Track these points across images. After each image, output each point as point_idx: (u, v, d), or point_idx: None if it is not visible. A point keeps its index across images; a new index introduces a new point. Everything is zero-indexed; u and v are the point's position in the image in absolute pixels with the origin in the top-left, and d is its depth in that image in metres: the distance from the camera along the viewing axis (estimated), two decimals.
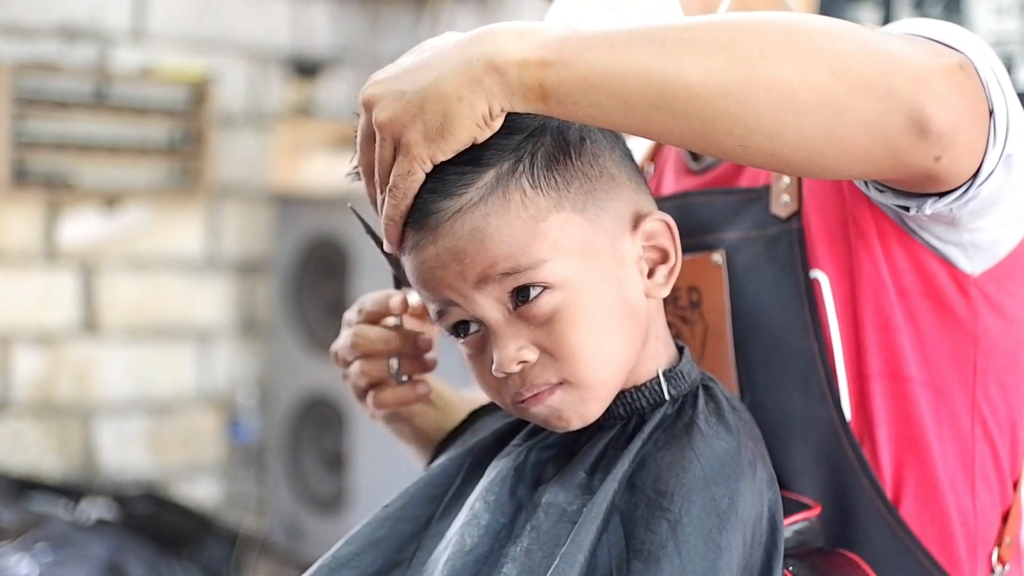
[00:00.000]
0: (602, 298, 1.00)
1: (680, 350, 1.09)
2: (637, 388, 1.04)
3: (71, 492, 3.62)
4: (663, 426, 1.02)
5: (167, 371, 4.08)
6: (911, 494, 1.17)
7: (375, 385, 1.21)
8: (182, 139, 3.98)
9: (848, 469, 1.15)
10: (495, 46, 0.90)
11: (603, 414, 1.04)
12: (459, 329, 1.02)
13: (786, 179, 1.17)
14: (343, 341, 1.23)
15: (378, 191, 0.97)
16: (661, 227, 1.04)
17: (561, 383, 1.00)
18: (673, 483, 0.96)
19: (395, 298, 1.18)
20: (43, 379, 3.85)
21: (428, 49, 0.94)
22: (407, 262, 1.01)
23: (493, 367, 1.00)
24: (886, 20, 2.66)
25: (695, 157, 1.30)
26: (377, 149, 0.95)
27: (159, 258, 4.03)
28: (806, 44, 0.90)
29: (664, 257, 1.04)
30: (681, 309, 1.22)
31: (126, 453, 4.00)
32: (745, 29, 0.90)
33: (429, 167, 0.94)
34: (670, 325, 1.21)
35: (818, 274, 1.15)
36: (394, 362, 1.18)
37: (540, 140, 0.99)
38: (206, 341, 4.14)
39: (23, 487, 3.58)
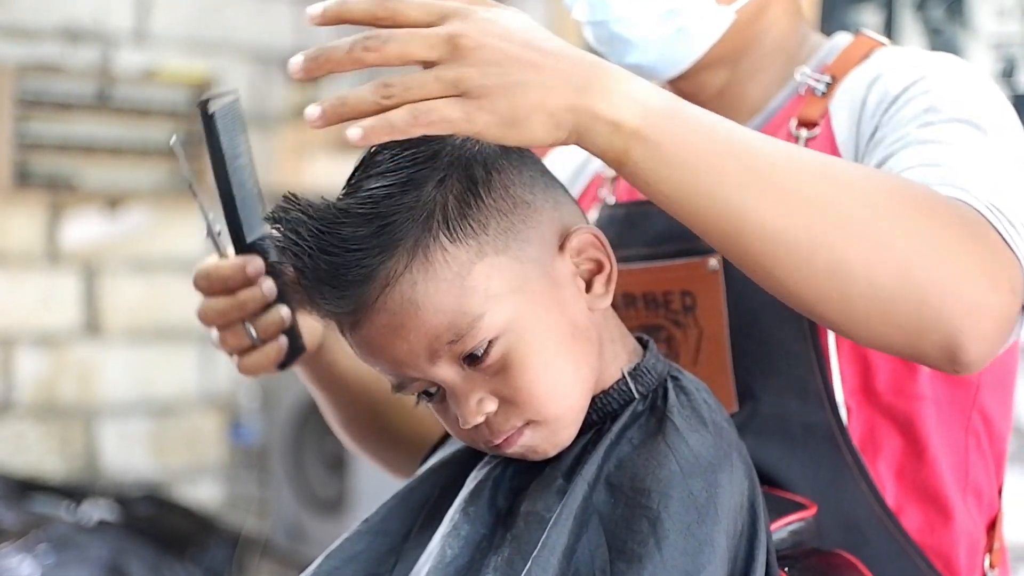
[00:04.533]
0: (547, 330, 0.99)
1: (644, 344, 1.08)
2: (605, 392, 1.03)
3: (73, 493, 3.62)
4: (636, 423, 1.02)
5: (169, 373, 4.08)
6: (915, 505, 1.17)
7: (241, 351, 1.20)
8: (185, 141, 3.98)
9: (847, 474, 1.15)
10: (602, 93, 0.88)
11: None
12: (422, 395, 1.02)
13: None
14: (204, 304, 1.22)
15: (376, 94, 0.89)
16: (589, 239, 1.02)
17: (527, 424, 1.00)
18: (650, 480, 0.96)
19: (232, 270, 1.17)
20: (45, 380, 3.86)
21: (546, 46, 0.89)
22: (350, 340, 1.00)
23: (459, 422, 1.00)
24: (888, 22, 2.66)
25: None
26: (429, 75, 0.86)
27: (161, 260, 4.03)
28: (884, 231, 0.90)
29: (599, 267, 1.02)
30: (673, 313, 1.21)
31: (128, 455, 4.00)
32: (837, 193, 0.91)
33: (460, 129, 0.88)
34: (661, 329, 1.21)
35: None
36: (250, 328, 1.18)
37: (448, 187, 0.97)
38: (208, 343, 4.13)
39: (25, 488, 3.58)
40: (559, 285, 1.00)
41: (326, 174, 3.92)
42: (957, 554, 1.19)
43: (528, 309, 0.98)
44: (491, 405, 0.99)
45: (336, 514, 3.75)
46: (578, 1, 1.21)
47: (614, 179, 1.32)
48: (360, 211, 0.96)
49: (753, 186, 0.89)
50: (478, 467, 1.06)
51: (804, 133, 1.18)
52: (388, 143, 0.97)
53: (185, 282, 4.41)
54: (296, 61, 0.90)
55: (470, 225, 0.96)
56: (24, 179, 3.71)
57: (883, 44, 1.22)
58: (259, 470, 4.19)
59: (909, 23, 2.65)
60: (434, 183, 0.97)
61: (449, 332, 0.96)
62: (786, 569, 1.02)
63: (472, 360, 0.97)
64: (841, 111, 1.17)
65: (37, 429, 3.85)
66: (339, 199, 1.00)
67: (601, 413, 1.03)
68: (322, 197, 0.99)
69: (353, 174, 1.02)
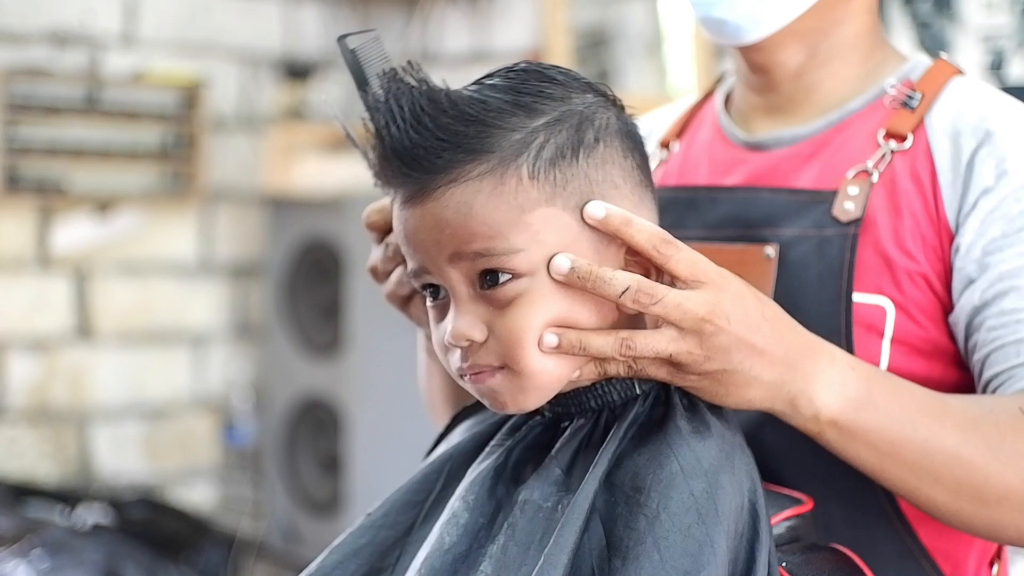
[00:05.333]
0: (566, 294, 0.99)
1: None
2: (608, 381, 1.03)
3: (67, 498, 3.61)
4: (637, 422, 1.02)
5: (162, 376, 4.07)
6: None
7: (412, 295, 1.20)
8: (174, 143, 3.98)
9: (862, 472, 1.16)
10: (806, 386, 1.03)
11: (575, 407, 1.04)
12: (428, 290, 1.04)
13: (854, 188, 1.19)
14: (379, 253, 1.22)
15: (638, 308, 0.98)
16: None
17: (502, 368, 1.00)
18: (650, 480, 0.96)
19: None
20: (37, 385, 3.85)
21: (773, 332, 1.02)
22: (395, 211, 1.03)
23: (444, 336, 1.01)
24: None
25: (745, 128, 1.32)
26: (668, 345, 0.98)
27: (152, 262, 4.03)
28: None
29: (646, 272, 1.02)
30: None
31: (121, 458, 3.99)
32: (996, 481, 1.06)
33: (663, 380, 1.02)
34: None
35: (868, 298, 1.18)
36: None
37: (556, 131, 1.00)
38: (200, 345, 4.14)
39: (19, 493, 3.58)
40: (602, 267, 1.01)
41: (316, 175, 3.91)
42: (967, 558, 1.21)
43: None
44: (479, 335, 0.99)
45: (331, 515, 3.75)
46: None
47: (661, 162, 1.37)
48: (468, 110, 0.98)
49: (925, 477, 1.06)
50: (479, 459, 1.07)
51: (893, 144, 1.21)
52: (532, 70, 1.02)
53: (176, 284, 4.39)
54: (564, 264, 0.98)
55: (555, 174, 0.99)
56: (14, 183, 3.70)
57: (960, 72, 1.26)
58: (253, 472, 4.19)
59: (897, 17, 2.65)
60: (546, 121, 1.00)
61: (483, 244, 0.98)
62: (783, 564, 1.02)
63: (487, 281, 0.99)
64: (942, 137, 1.20)
65: (30, 434, 3.85)
66: (458, 89, 1.01)
67: (600, 401, 1.04)
68: (443, 80, 1.01)
69: (491, 75, 1.03)
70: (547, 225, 0.98)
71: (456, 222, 0.98)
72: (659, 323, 0.99)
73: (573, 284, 0.98)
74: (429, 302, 1.04)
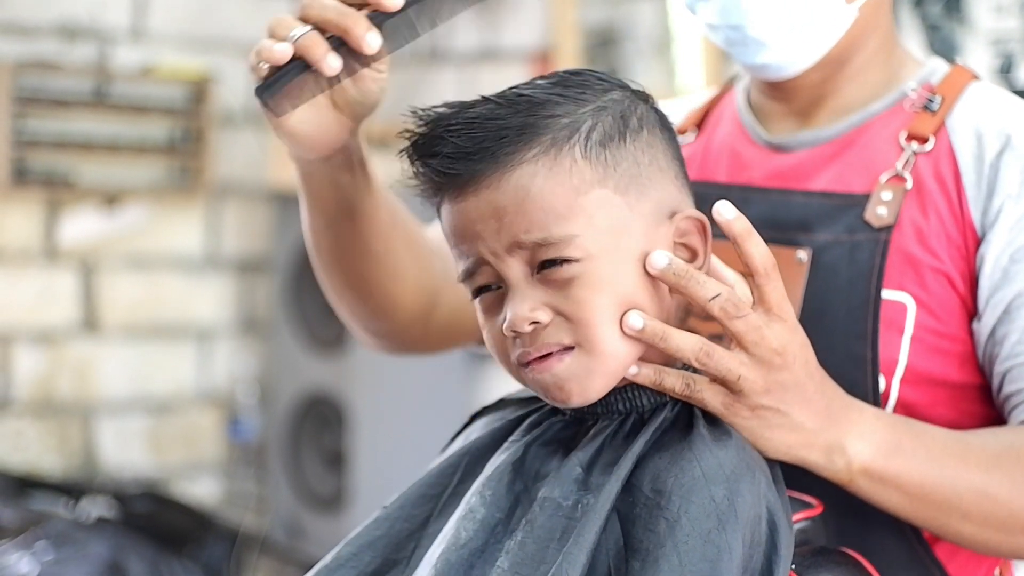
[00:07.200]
0: (623, 276, 1.01)
1: None
2: (639, 385, 1.04)
3: (71, 490, 3.61)
4: (662, 427, 1.02)
5: (167, 370, 4.08)
6: None
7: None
8: (182, 138, 3.98)
9: (891, 514, 1.16)
10: (839, 437, 1.05)
11: (602, 406, 1.04)
12: (481, 288, 1.05)
13: (888, 194, 1.20)
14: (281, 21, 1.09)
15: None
16: (694, 225, 1.05)
17: (573, 347, 1.01)
18: (671, 483, 0.96)
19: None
20: (43, 378, 3.85)
21: (819, 379, 1.05)
22: (446, 211, 1.04)
23: (504, 325, 1.01)
24: None
25: (766, 128, 1.32)
26: (740, 364, 1.00)
27: (159, 257, 4.03)
28: None
29: (692, 256, 1.05)
30: None
31: (126, 452, 4.00)
32: (1018, 515, 1.10)
33: (713, 412, 1.02)
34: None
35: (891, 294, 1.19)
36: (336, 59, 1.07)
37: (601, 116, 1.02)
38: (206, 340, 4.15)
39: (23, 485, 3.58)
40: (653, 250, 1.02)
41: None
42: (978, 561, 1.22)
43: (617, 252, 1.01)
44: (544, 316, 1.00)
45: (334, 511, 3.75)
46: (706, 4, 1.24)
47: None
48: (515, 103, 1.01)
49: (954, 514, 1.09)
50: (497, 452, 1.07)
51: (915, 146, 1.22)
52: (573, 71, 1.05)
53: (183, 279, 4.39)
54: (661, 260, 1.00)
55: (605, 155, 1.01)
56: (21, 176, 3.71)
57: (976, 77, 1.28)
58: (257, 467, 4.19)
59: (907, 19, 2.65)
60: (592, 108, 1.02)
61: (541, 232, 0.99)
62: (792, 566, 1.02)
63: (545, 267, 1.00)
64: (965, 139, 1.21)
65: (35, 426, 3.85)
66: (503, 91, 1.04)
67: (628, 405, 1.04)
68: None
69: (533, 79, 1.06)
70: (600, 208, 1.00)
71: (514, 207, 0.99)
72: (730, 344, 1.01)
73: (666, 280, 0.99)
74: (480, 302, 1.05)
